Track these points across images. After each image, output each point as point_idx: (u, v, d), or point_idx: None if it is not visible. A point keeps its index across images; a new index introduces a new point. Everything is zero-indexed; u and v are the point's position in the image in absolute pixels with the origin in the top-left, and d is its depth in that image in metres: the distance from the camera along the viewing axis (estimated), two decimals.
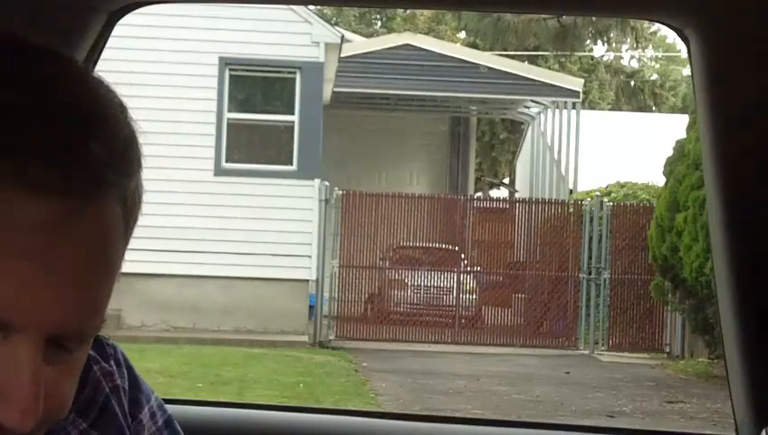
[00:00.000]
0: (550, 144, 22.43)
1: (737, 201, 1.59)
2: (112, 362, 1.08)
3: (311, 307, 16.86)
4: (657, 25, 26.83)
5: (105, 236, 0.84)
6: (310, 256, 16.92)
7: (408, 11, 34.83)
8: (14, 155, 0.79)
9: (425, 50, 21.61)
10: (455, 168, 26.63)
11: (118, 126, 0.86)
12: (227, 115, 17.01)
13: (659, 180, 16.18)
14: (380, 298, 18.29)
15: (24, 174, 0.79)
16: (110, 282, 0.87)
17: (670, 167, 14.85)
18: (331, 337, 17.09)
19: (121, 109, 0.87)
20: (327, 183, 17.15)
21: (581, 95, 22.50)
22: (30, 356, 0.82)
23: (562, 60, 34.08)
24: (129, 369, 1.10)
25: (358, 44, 22.85)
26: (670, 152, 15.06)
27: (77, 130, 0.82)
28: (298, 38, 16.87)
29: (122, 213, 0.86)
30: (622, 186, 19.12)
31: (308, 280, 16.88)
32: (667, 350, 17.38)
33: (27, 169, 0.79)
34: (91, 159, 0.82)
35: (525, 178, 25.15)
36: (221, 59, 16.87)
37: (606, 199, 18.03)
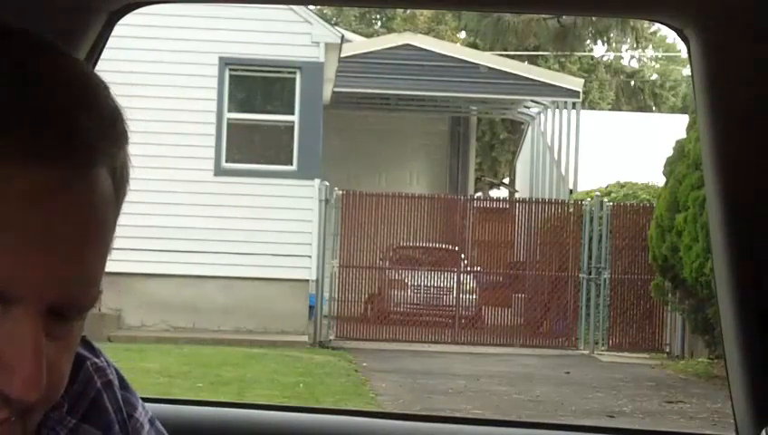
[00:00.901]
0: (550, 144, 22.44)
1: (737, 201, 1.59)
2: (103, 359, 1.08)
3: (311, 307, 16.86)
4: (657, 25, 26.83)
5: (98, 206, 0.86)
6: (310, 256, 16.92)
7: (408, 11, 34.82)
8: (3, 127, 0.81)
9: (425, 50, 21.61)
10: (455, 168, 26.63)
11: (104, 99, 0.87)
12: (227, 115, 17.01)
13: (659, 180, 16.18)
14: (380, 298, 18.29)
15: (15, 145, 0.81)
16: (105, 252, 0.88)
17: (670, 167, 14.85)
18: (331, 337, 17.09)
19: (104, 86, 0.89)
20: (327, 183, 17.15)
21: (581, 95, 22.50)
22: (31, 327, 0.83)
23: (562, 60, 34.09)
24: (116, 369, 1.11)
25: (358, 44, 22.85)
26: (670, 152, 15.06)
27: (65, 101, 0.83)
28: (298, 38, 16.87)
29: (113, 184, 0.88)
30: (622, 186, 19.12)
31: (308, 280, 16.88)
32: (667, 350, 17.38)
33: (18, 140, 0.81)
34: (81, 128, 0.83)
35: (525, 178, 25.15)
36: (221, 59, 16.86)
37: (606, 199, 18.03)
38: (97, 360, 1.07)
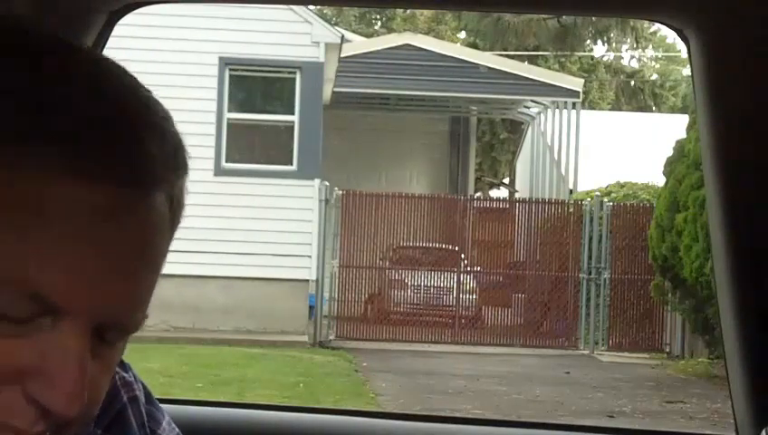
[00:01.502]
0: (550, 144, 22.43)
1: (737, 201, 1.59)
2: (131, 374, 1.09)
3: (311, 307, 16.86)
4: (657, 25, 26.83)
5: (154, 230, 0.87)
6: (310, 256, 16.92)
7: (408, 11, 34.82)
8: (73, 144, 0.82)
9: (425, 50, 21.61)
10: (455, 168, 26.63)
11: (168, 127, 0.88)
12: (227, 115, 17.01)
13: (659, 180, 16.18)
14: (380, 298, 18.28)
15: (82, 162, 0.82)
16: (155, 277, 0.89)
17: (670, 167, 14.85)
18: (331, 337, 17.09)
19: (169, 114, 0.90)
20: (327, 183, 17.15)
21: (581, 95, 22.50)
22: (79, 342, 0.83)
23: (562, 60, 34.08)
24: (143, 384, 1.12)
25: (358, 44, 22.85)
26: (670, 152, 15.06)
27: (133, 125, 0.85)
28: (298, 38, 16.88)
29: (169, 212, 0.88)
30: (622, 186, 19.12)
31: (308, 280, 16.88)
32: (667, 350, 17.38)
33: (86, 157, 0.82)
34: (148, 154, 0.84)
35: (525, 178, 25.15)
36: (221, 59, 16.87)
37: (606, 199, 18.02)
38: (125, 374, 1.08)
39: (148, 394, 1.11)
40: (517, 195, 26.69)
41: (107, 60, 0.90)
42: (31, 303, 0.81)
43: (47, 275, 0.81)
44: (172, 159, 0.87)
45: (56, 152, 0.82)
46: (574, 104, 21.75)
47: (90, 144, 0.82)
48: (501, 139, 34.54)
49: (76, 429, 0.87)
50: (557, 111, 22.08)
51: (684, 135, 14.77)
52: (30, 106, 0.82)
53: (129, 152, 0.84)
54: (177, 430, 1.14)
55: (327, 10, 29.68)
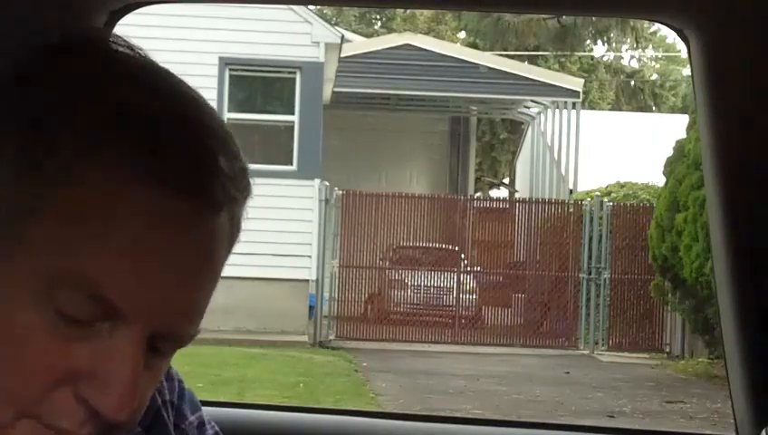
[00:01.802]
0: (550, 144, 22.44)
1: (737, 201, 1.59)
2: (163, 378, 1.09)
3: (311, 307, 16.86)
4: (657, 25, 26.84)
5: (217, 246, 0.89)
6: (310, 256, 16.92)
7: (408, 11, 34.82)
8: (152, 154, 0.84)
9: (425, 50, 21.61)
10: (455, 168, 26.64)
11: (239, 152, 0.92)
12: (227, 115, 17.01)
13: (659, 180, 16.18)
14: (380, 298, 18.28)
15: (159, 172, 0.84)
16: (212, 291, 0.90)
17: (670, 167, 14.85)
18: (331, 337, 17.09)
19: (236, 140, 0.94)
20: (327, 183, 17.15)
21: (581, 95, 22.50)
22: (134, 347, 0.84)
23: (562, 60, 34.08)
24: (180, 382, 1.13)
25: (358, 44, 22.85)
26: (670, 152, 15.06)
27: (209, 141, 0.88)
28: (298, 38, 16.88)
29: (230, 229, 0.91)
30: (622, 186, 19.12)
31: (308, 280, 16.88)
32: (667, 350, 17.38)
33: (162, 167, 0.84)
34: (221, 172, 0.87)
35: (525, 178, 25.15)
36: (221, 59, 16.87)
37: (606, 199, 18.02)
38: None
39: (182, 390, 1.12)
40: (517, 195, 26.69)
41: (188, 88, 0.94)
42: (91, 303, 0.83)
43: (110, 277, 0.82)
44: (241, 178, 0.90)
45: (132, 160, 0.83)
46: (574, 104, 21.75)
47: (167, 155, 0.84)
48: (501, 139, 34.54)
49: (120, 434, 0.88)
50: (557, 111, 22.08)
51: (684, 135, 14.77)
52: (106, 113, 0.84)
53: (204, 167, 0.86)
54: (213, 426, 1.15)
55: (327, 10, 29.68)
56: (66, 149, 0.84)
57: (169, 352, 0.90)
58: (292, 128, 17.08)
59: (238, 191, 0.90)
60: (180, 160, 0.85)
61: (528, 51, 30.30)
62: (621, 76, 40.24)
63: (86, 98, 0.85)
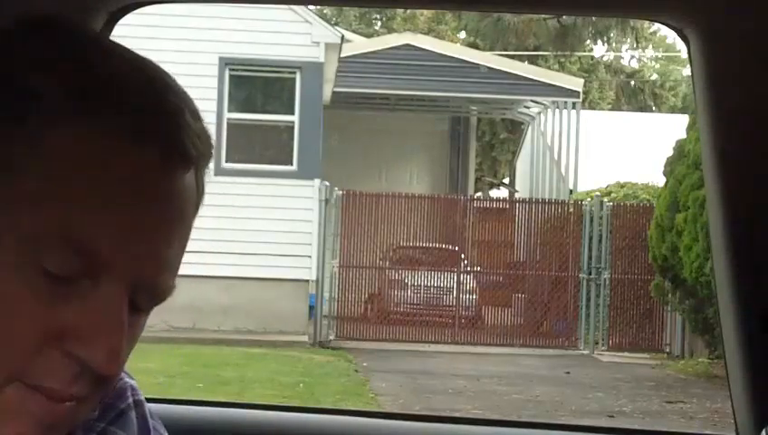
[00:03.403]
0: (550, 144, 22.43)
1: (737, 201, 1.59)
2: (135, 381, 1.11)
3: (311, 307, 16.86)
4: (657, 25, 26.84)
5: (187, 201, 0.92)
6: (310, 256, 16.92)
7: (408, 11, 34.82)
8: (127, 112, 0.87)
9: (425, 50, 21.60)
10: (455, 168, 26.63)
11: (201, 115, 0.96)
12: (227, 115, 17.01)
13: (659, 180, 16.18)
14: (380, 298, 18.28)
15: (135, 129, 0.87)
16: (184, 246, 0.93)
17: (670, 167, 14.85)
18: (331, 337, 17.09)
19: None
20: (327, 183, 17.14)
21: (581, 95, 22.49)
22: (119, 300, 0.87)
23: (562, 60, 34.08)
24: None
25: (358, 44, 22.85)
26: (670, 152, 15.06)
27: (176, 100, 0.91)
28: (298, 38, 16.88)
29: (196, 190, 0.94)
30: (622, 186, 19.12)
31: (308, 280, 16.87)
32: (667, 350, 17.38)
33: (137, 124, 0.87)
34: (189, 126, 0.91)
35: (525, 178, 25.15)
36: (221, 59, 16.87)
37: (606, 199, 18.02)
38: (132, 380, 1.10)
39: (151, 412, 1.12)
40: (517, 195, 26.68)
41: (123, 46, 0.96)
42: (76, 259, 0.85)
43: (94, 231, 0.85)
44: (206, 137, 0.94)
45: (110, 119, 0.87)
46: (574, 104, 21.74)
47: (141, 112, 0.88)
48: (501, 139, 34.54)
49: (95, 401, 0.90)
50: (557, 111, 22.08)
51: (684, 135, 14.77)
52: (84, 75, 0.88)
53: (174, 123, 0.90)
54: None
55: (327, 10, 29.68)
56: (50, 105, 0.86)
57: (147, 308, 0.92)
58: (292, 128, 17.08)
59: (205, 148, 0.94)
60: (153, 118, 0.88)
61: (528, 51, 30.29)
62: (621, 76, 40.24)
63: (65, 60, 0.89)
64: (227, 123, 16.97)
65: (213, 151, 0.96)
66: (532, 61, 30.89)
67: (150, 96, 0.90)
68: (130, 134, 0.87)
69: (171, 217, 0.90)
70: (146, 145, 0.87)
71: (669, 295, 15.96)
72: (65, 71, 0.88)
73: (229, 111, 17.03)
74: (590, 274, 17.62)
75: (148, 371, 11.95)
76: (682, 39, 1.62)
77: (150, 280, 0.89)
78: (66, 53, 0.90)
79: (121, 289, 0.87)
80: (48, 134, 0.86)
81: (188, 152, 0.91)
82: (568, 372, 14.89)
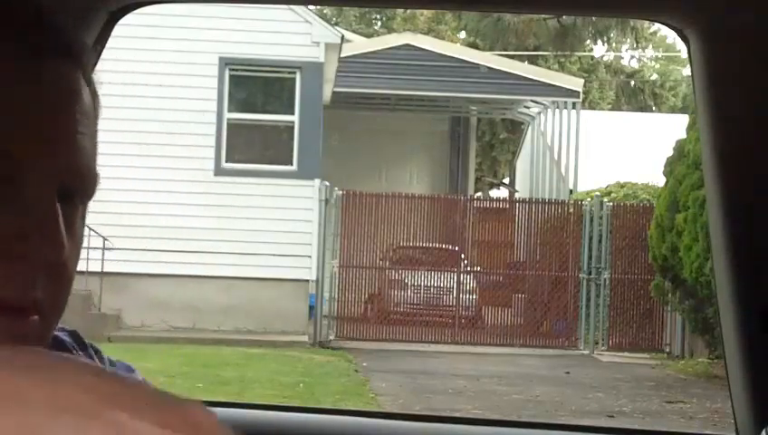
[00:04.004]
0: (550, 144, 22.43)
1: (737, 201, 1.59)
2: (91, 351, 1.12)
3: (311, 307, 16.86)
4: (657, 25, 26.83)
5: (79, 93, 0.94)
6: (310, 256, 16.92)
7: (408, 11, 34.82)
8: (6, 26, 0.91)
9: (425, 50, 21.60)
10: (455, 168, 26.64)
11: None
12: (227, 115, 17.01)
13: (659, 180, 16.18)
14: (380, 298, 18.28)
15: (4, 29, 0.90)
16: (91, 146, 0.94)
17: (670, 167, 14.85)
18: (331, 337, 17.09)
19: None
20: (327, 183, 17.14)
21: (581, 95, 22.49)
22: (47, 193, 0.88)
23: (562, 60, 34.08)
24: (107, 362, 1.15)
25: (358, 44, 22.85)
26: (670, 152, 15.06)
27: (40, 4, 0.94)
28: (298, 38, 16.87)
29: (90, 93, 0.95)
30: (622, 186, 19.12)
31: (308, 280, 16.87)
32: (667, 350, 17.38)
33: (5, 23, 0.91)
34: (59, 27, 0.95)
35: (525, 178, 25.16)
36: (221, 59, 16.86)
37: (606, 199, 18.02)
38: (82, 353, 1.11)
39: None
40: (517, 195, 26.68)
41: None
42: None
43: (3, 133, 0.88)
44: (77, 42, 0.96)
45: None
46: (574, 104, 21.75)
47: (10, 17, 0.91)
48: (501, 139, 34.54)
49: (55, 320, 0.92)
50: (557, 111, 22.08)
51: (684, 135, 14.77)
52: None
53: (48, 27, 0.93)
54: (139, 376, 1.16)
55: (327, 10, 29.68)
56: None
57: (76, 201, 0.93)
58: (292, 128, 17.08)
59: (80, 53, 0.95)
60: (11, 11, 0.91)
61: (528, 51, 30.30)
62: (621, 76, 40.25)
63: None
64: (227, 123, 16.97)
65: (88, 58, 0.97)
66: (532, 61, 30.89)
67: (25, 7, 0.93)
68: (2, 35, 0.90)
69: (66, 104, 0.92)
70: (17, 44, 0.90)
71: (669, 295, 15.96)
72: None
73: (229, 111, 17.02)
74: (590, 274, 17.62)
75: (147, 371, 11.91)
76: (682, 39, 1.62)
77: (66, 166, 0.90)
78: None
79: (46, 184, 0.88)
80: None
81: (63, 51, 0.93)
82: (568, 372, 14.89)
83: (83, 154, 0.92)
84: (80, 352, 1.10)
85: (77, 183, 0.92)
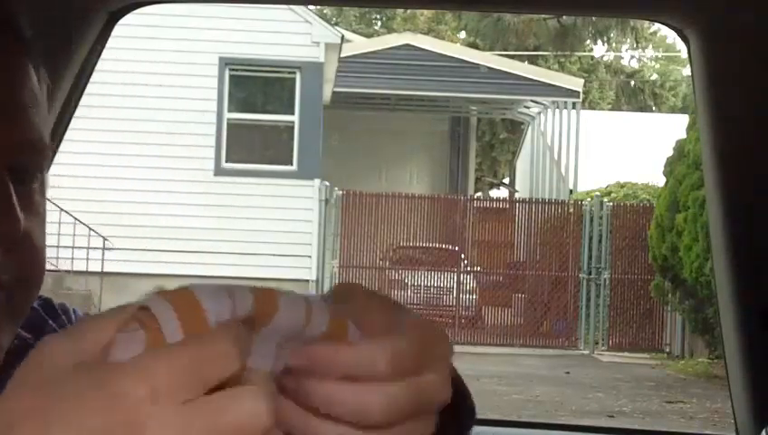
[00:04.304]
0: (550, 144, 22.42)
1: (737, 201, 1.59)
2: (63, 319, 1.11)
3: None
4: (657, 25, 26.83)
5: (22, 68, 0.94)
6: (310, 256, 16.91)
7: (408, 11, 34.82)
8: None
9: (425, 50, 21.60)
10: (455, 168, 26.63)
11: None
12: (227, 115, 17.01)
13: (659, 180, 16.18)
14: None
15: None
16: (44, 113, 0.95)
17: (670, 167, 14.85)
18: None
19: None
20: (327, 183, 17.14)
21: (581, 95, 22.48)
22: None
23: (562, 60, 34.07)
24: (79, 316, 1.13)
25: (358, 44, 22.84)
26: (670, 152, 15.06)
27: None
28: (298, 38, 16.87)
29: (37, 78, 0.95)
30: (622, 186, 19.12)
31: (308, 280, 16.87)
32: (667, 350, 17.38)
33: None
34: (16, 18, 0.95)
35: (525, 178, 25.15)
36: (221, 59, 16.86)
37: (606, 199, 18.02)
38: (53, 323, 1.09)
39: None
40: (517, 195, 26.67)
41: None
42: None
43: None
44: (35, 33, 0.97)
45: None
46: (574, 104, 21.74)
47: None
48: (501, 139, 34.53)
49: (29, 294, 0.92)
50: (557, 111, 22.07)
51: (684, 135, 14.77)
52: None
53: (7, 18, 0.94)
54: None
55: (327, 10, 29.68)
56: None
57: (32, 174, 0.93)
58: (292, 128, 17.08)
59: (23, 26, 0.96)
60: None
61: (528, 51, 30.29)
62: (621, 76, 40.24)
63: None
64: (227, 123, 16.97)
65: (22, 39, 0.97)
66: (532, 61, 30.88)
67: None
68: None
69: (9, 80, 0.92)
70: None
71: (669, 295, 15.96)
72: None
73: (229, 111, 17.02)
74: (590, 274, 17.62)
75: None
76: (682, 39, 1.62)
77: (19, 142, 0.91)
78: None
79: None
80: None
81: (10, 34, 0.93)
82: (568, 372, 14.89)
83: (34, 129, 0.92)
84: (50, 321, 1.09)
85: (31, 156, 0.93)
